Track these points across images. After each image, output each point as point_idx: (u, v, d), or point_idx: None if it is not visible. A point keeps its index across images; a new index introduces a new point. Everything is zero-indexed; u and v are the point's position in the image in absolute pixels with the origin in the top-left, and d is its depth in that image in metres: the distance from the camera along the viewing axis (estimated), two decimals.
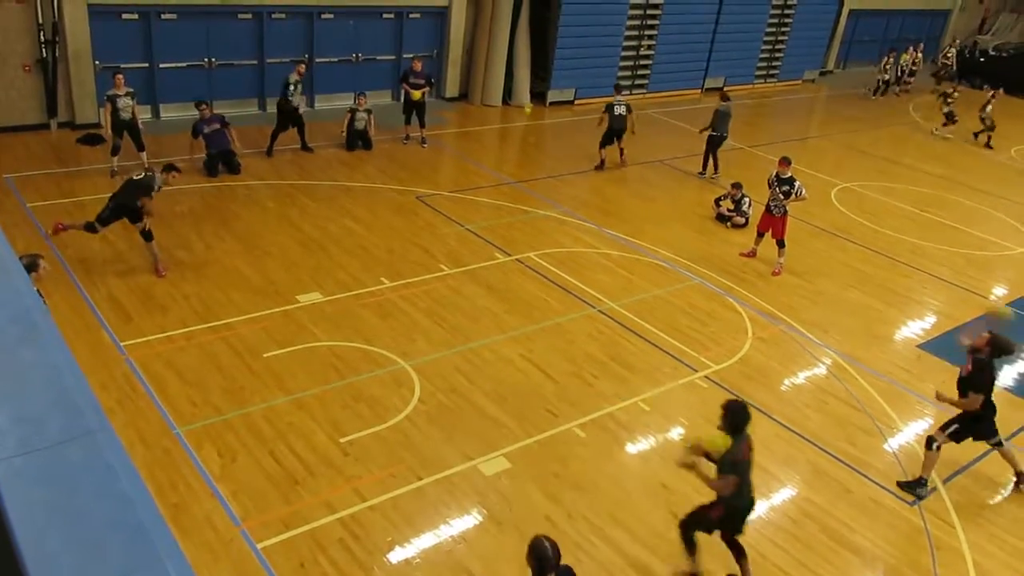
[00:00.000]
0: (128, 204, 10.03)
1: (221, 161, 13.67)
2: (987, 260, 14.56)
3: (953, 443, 8.00)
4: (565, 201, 14.54)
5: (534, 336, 10.03)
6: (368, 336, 9.57)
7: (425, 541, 6.82)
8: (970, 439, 8.06)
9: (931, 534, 7.58)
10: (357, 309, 10.13)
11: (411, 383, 8.80)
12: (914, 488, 8.05)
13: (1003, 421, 9.50)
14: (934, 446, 7.97)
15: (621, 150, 16.69)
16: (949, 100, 22.32)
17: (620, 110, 16.19)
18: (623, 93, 16.66)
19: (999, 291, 13.25)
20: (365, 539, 6.74)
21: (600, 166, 16.49)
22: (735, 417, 6.18)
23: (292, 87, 14.66)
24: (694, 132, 18.42)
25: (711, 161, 16.71)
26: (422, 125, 16.39)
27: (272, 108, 15.74)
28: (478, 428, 8.25)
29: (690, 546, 6.55)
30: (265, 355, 8.96)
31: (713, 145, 16.54)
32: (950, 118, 22.18)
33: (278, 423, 7.94)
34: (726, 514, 6.35)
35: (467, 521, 7.09)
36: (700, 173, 16.82)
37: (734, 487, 6.10)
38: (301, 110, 15.08)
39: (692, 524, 6.51)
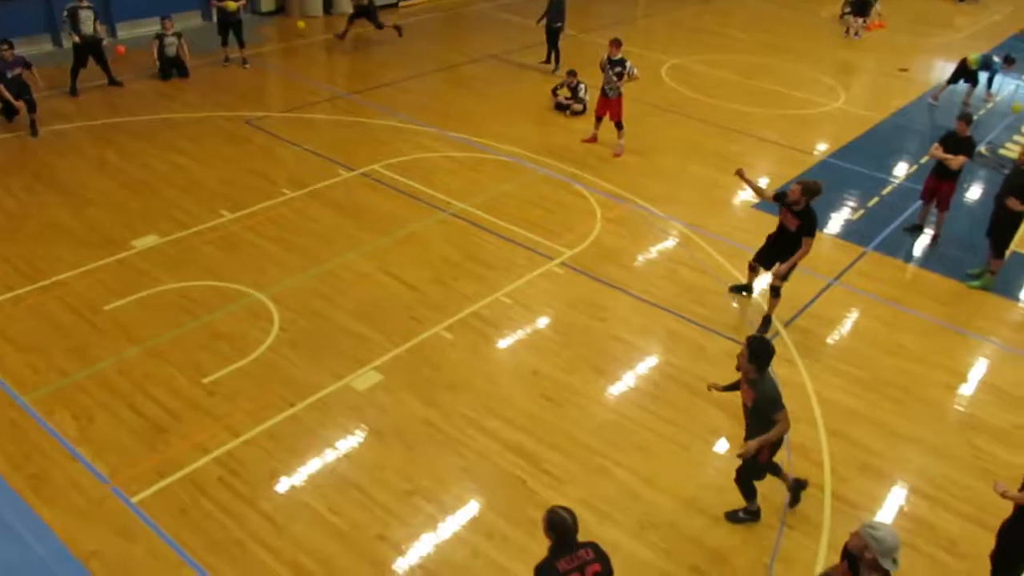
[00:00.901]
0: None
1: (17, 97, 12.11)
2: (808, 118, 15.45)
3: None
4: (403, 108, 14.22)
5: (389, 248, 9.93)
6: (216, 272, 9.19)
7: (308, 465, 6.80)
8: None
9: (777, 374, 8.20)
10: (200, 246, 9.67)
11: (269, 313, 8.57)
12: (766, 327, 8.89)
13: (829, 263, 10.31)
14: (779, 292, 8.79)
15: (378, 24, 17.48)
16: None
17: None
18: None
19: (821, 146, 14.14)
20: (245, 474, 6.65)
21: (343, 35, 17.45)
22: (764, 351, 5.92)
23: (67, 14, 13.40)
24: (525, 24, 18.31)
25: (554, 52, 16.66)
26: (241, 45, 15.44)
27: (70, 43, 14.33)
28: (345, 347, 8.19)
29: (751, 492, 6.47)
30: (106, 308, 8.46)
31: (553, 35, 16.47)
32: (861, 10, 21.06)
33: (133, 375, 7.59)
34: (773, 451, 6.27)
35: (347, 439, 7.11)
36: (545, 62, 16.76)
37: (787, 422, 5.96)
38: (95, 37, 13.72)
39: (750, 477, 6.38)
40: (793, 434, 7.47)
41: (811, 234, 8.42)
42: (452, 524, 6.37)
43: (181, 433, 6.98)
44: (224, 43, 15.45)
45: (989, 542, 5.99)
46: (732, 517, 6.57)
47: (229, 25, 15.23)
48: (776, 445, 6.24)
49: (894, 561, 4.35)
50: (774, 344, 6.06)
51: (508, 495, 6.67)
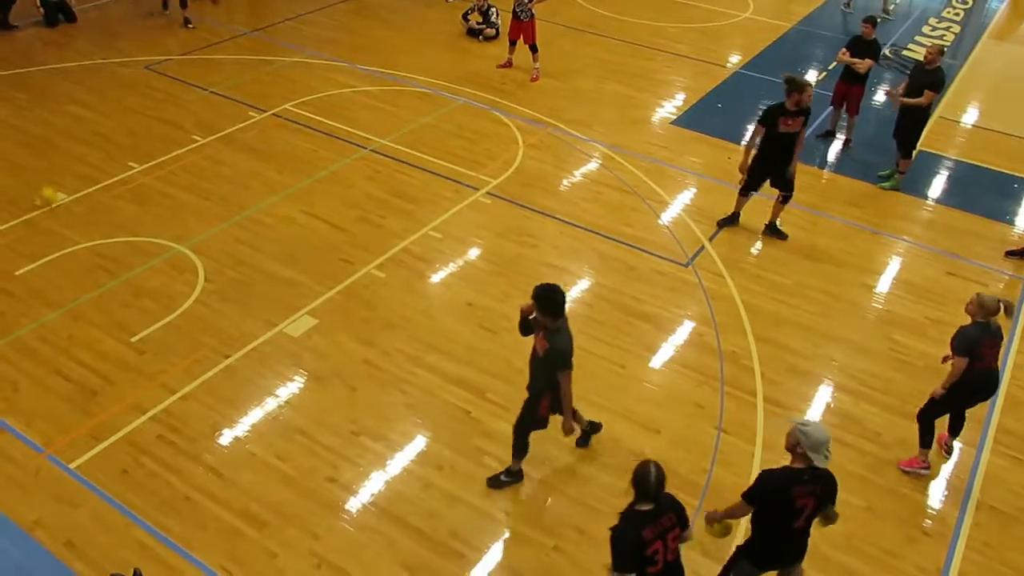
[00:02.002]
0: None
1: None
2: (718, 30, 15.53)
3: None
4: (309, 43, 13.72)
5: (311, 190, 9.70)
6: (131, 227, 8.85)
7: (250, 415, 6.75)
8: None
9: (706, 288, 8.49)
10: (110, 201, 9.27)
11: (193, 266, 8.33)
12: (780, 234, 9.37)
13: (728, 173, 10.48)
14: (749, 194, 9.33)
15: None
16: None
17: None
18: None
19: (734, 58, 14.27)
20: (185, 430, 6.56)
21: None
22: (552, 299, 5.44)
23: None
24: None
25: None
26: (183, 3, 14.11)
27: None
28: (275, 293, 8.05)
29: (524, 449, 6.18)
30: (17, 273, 8.09)
31: None
32: None
33: (55, 340, 7.33)
34: (553, 402, 5.94)
35: (288, 385, 7.05)
36: None
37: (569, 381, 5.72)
38: None
39: (527, 428, 6.09)
40: (724, 343, 7.75)
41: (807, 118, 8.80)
42: (401, 460, 6.44)
43: (114, 395, 6.81)
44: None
45: (910, 429, 6.39)
46: (493, 482, 6.24)
47: None
48: (556, 397, 5.85)
49: (825, 456, 4.50)
50: (556, 290, 5.49)
51: (454, 427, 6.76)
